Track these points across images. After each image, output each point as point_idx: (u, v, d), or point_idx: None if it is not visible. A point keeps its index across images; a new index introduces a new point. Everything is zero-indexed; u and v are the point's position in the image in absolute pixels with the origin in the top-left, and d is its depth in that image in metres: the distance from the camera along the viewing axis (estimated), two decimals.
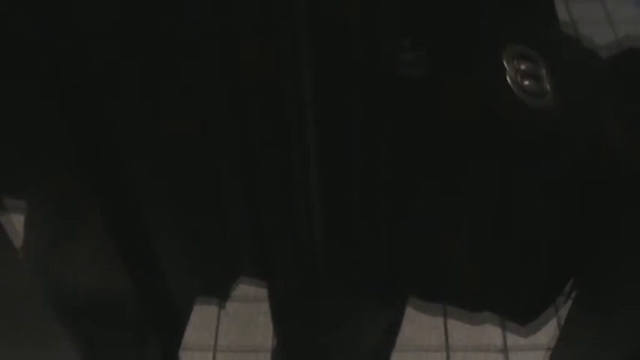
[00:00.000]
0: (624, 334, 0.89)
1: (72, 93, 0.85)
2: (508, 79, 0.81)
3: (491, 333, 1.85)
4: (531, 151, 0.84)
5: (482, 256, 0.97)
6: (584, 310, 1.02)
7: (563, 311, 1.09)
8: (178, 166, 0.95)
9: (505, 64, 0.81)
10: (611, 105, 0.86)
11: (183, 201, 1.00)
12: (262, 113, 0.86)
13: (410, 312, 1.29)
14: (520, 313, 1.04)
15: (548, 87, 0.82)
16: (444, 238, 0.96)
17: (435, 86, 0.81)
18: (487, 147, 0.85)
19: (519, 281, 0.99)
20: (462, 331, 1.86)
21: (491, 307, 1.05)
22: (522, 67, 0.82)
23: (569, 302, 1.05)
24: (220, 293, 1.15)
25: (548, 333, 1.60)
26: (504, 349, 1.84)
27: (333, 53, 0.79)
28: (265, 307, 1.18)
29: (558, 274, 0.98)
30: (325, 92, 0.81)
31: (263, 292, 1.15)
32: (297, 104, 0.82)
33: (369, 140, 0.86)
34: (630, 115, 0.84)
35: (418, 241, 0.97)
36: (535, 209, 0.90)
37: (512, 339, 1.85)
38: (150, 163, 0.95)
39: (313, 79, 0.80)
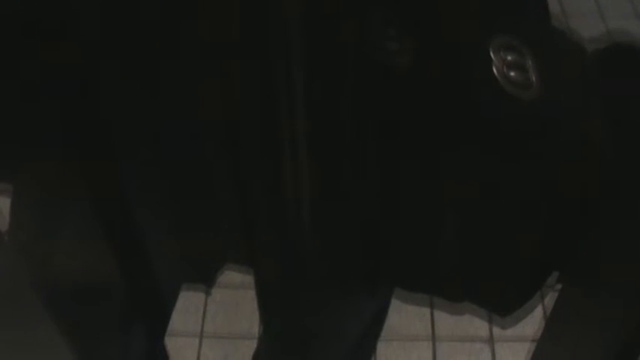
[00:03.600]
0: (608, 324, 0.89)
1: (58, 74, 0.85)
2: (494, 69, 0.81)
3: (477, 324, 1.86)
4: (515, 141, 0.85)
5: (464, 245, 0.97)
6: (569, 302, 1.02)
7: (550, 302, 1.09)
8: (165, 149, 0.95)
9: (492, 54, 0.81)
10: (597, 98, 0.86)
11: (170, 185, 1.00)
12: (252, 96, 0.85)
13: (396, 302, 1.29)
14: (501, 304, 1.05)
15: (534, 79, 0.82)
16: (426, 226, 0.96)
17: (419, 76, 0.81)
18: (471, 137, 0.85)
19: (501, 272, 1.00)
20: (448, 321, 1.86)
21: (472, 297, 1.05)
22: (509, 58, 0.81)
23: (555, 293, 1.05)
24: (206, 279, 1.15)
25: (534, 324, 1.61)
26: (490, 340, 1.85)
27: (322, 41, 0.79)
28: (252, 294, 1.18)
29: (541, 266, 0.99)
30: (315, 78, 0.81)
31: (250, 279, 1.15)
32: (287, 89, 0.82)
33: (357, 126, 0.86)
34: (614, 108, 0.84)
35: (402, 230, 0.97)
36: (518, 199, 0.90)
37: (498, 330, 1.86)
38: (137, 147, 0.95)
39: (303, 65, 0.80)
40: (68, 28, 0.82)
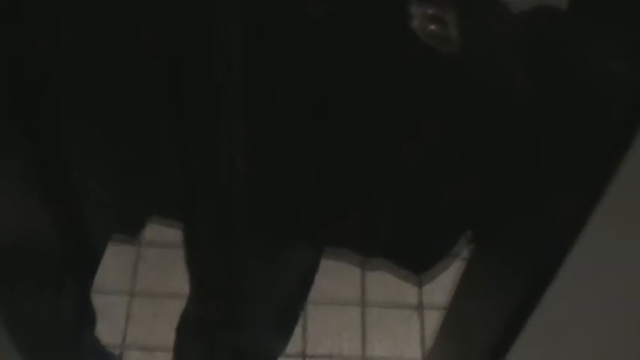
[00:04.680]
0: (508, 285, 0.92)
1: None
2: (415, 21, 0.81)
3: (407, 291, 1.88)
4: (432, 94, 0.85)
5: (378, 202, 0.98)
6: (476, 265, 1.04)
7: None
8: (103, 100, 0.94)
9: (412, 7, 0.81)
10: (518, 56, 0.87)
11: (105, 133, 0.99)
12: (189, 57, 0.85)
13: (328, 266, 1.30)
14: (414, 261, 1.06)
15: (454, 33, 0.83)
16: (342, 183, 0.97)
17: (338, 25, 0.81)
18: (390, 88, 0.85)
19: (414, 229, 1.01)
20: (378, 287, 1.88)
21: (385, 253, 1.07)
22: (429, 11, 0.82)
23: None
24: (132, 231, 1.14)
25: None
26: (420, 307, 1.87)
27: None
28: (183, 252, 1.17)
29: (454, 223, 1.00)
30: (248, 32, 0.80)
31: (182, 237, 1.15)
32: (222, 45, 0.81)
33: (287, 82, 0.86)
34: (534, 68, 0.85)
35: (322, 187, 0.98)
36: (432, 155, 0.91)
37: (428, 297, 1.88)
38: (73, 97, 0.94)
39: (239, 20, 0.79)
40: None
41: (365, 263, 1.86)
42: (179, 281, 1.81)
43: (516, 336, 0.86)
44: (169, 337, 1.48)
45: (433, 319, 1.81)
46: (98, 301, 1.45)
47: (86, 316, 1.42)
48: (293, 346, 1.58)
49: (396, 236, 1.03)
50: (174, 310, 1.43)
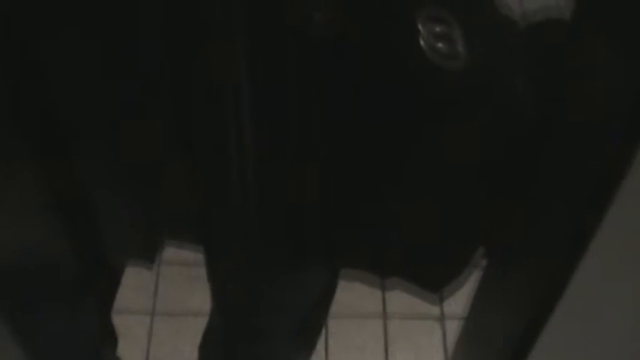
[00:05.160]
0: (523, 297, 0.92)
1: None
2: (421, 40, 0.81)
3: (429, 301, 1.87)
4: (442, 111, 0.85)
5: (390, 222, 0.98)
6: (492, 277, 1.04)
7: None
8: (118, 124, 0.94)
9: (419, 25, 0.81)
10: (525, 71, 0.87)
11: (121, 158, 0.99)
12: (199, 74, 0.85)
13: (348, 279, 1.30)
14: (429, 279, 1.06)
15: (461, 50, 0.83)
16: (354, 203, 0.97)
17: (346, 45, 0.82)
18: (399, 106, 0.85)
19: (427, 248, 1.01)
20: (399, 299, 1.87)
21: (401, 273, 1.07)
22: (436, 29, 0.82)
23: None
24: (148, 255, 1.15)
25: None
26: (441, 318, 1.86)
27: (263, 14, 0.79)
28: (204, 271, 1.18)
29: (468, 243, 1.00)
30: (255, 49, 0.81)
31: (201, 256, 1.15)
32: (231, 62, 0.82)
33: (297, 103, 0.86)
34: (541, 81, 0.85)
35: (337, 206, 0.98)
36: (443, 173, 0.91)
37: (450, 308, 1.87)
38: (88, 120, 0.95)
39: (246, 40, 0.80)
40: None
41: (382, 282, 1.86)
42: (199, 299, 1.81)
43: (533, 345, 0.85)
44: (192, 356, 1.48)
45: (455, 330, 1.81)
46: (119, 321, 1.45)
47: (107, 337, 1.43)
48: None
49: (411, 255, 1.03)
50: (195, 328, 1.44)
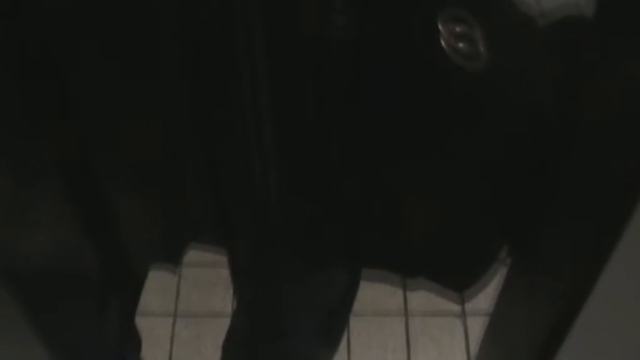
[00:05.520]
0: (549, 294, 0.92)
1: (27, 50, 0.84)
2: (442, 41, 0.81)
3: (450, 299, 1.87)
4: (463, 111, 0.85)
5: (417, 221, 0.98)
6: (517, 275, 1.04)
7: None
8: (138, 131, 0.95)
9: (440, 26, 0.81)
10: (545, 70, 0.86)
11: (142, 164, 1.00)
12: (218, 75, 0.86)
13: (369, 277, 1.30)
14: (454, 279, 1.06)
15: (482, 50, 0.82)
16: (376, 203, 0.97)
17: (366, 45, 0.81)
18: (420, 106, 0.85)
19: (451, 248, 1.01)
20: (420, 296, 1.87)
21: (424, 273, 1.06)
22: (457, 29, 0.82)
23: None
24: (172, 258, 1.15)
25: None
26: (462, 315, 1.86)
27: (281, 19, 0.79)
28: (226, 272, 1.18)
29: (492, 242, 1.00)
30: (274, 52, 0.81)
31: (223, 258, 1.16)
32: (250, 65, 0.82)
33: (318, 103, 0.86)
34: (562, 80, 0.85)
35: (360, 206, 0.98)
36: (468, 173, 0.91)
37: (471, 304, 1.87)
38: (109, 126, 0.95)
39: (264, 41, 0.80)
40: None
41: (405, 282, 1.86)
42: (221, 301, 1.83)
43: (561, 343, 0.85)
44: (215, 357, 1.49)
45: (477, 326, 1.80)
46: (142, 322, 1.46)
47: (131, 339, 1.44)
48: (338, 358, 1.58)
49: (434, 255, 1.03)
50: (217, 329, 1.44)
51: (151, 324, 1.75)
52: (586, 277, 0.77)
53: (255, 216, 1.01)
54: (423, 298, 1.87)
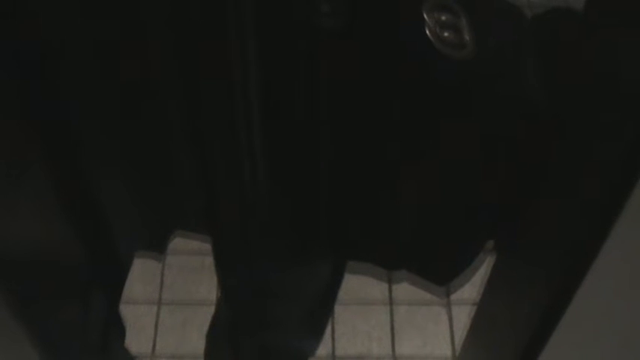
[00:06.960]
0: (536, 286, 0.92)
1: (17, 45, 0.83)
2: (427, 30, 0.80)
3: (435, 288, 1.87)
4: (449, 101, 0.85)
5: (397, 214, 0.98)
6: (503, 267, 1.04)
7: None
8: (124, 118, 0.94)
9: (424, 15, 0.80)
10: (531, 60, 0.86)
11: (128, 152, 0.99)
12: (207, 64, 0.85)
13: (354, 266, 1.30)
14: (436, 273, 1.06)
15: (467, 39, 0.82)
16: (361, 195, 0.97)
17: (352, 37, 0.81)
18: (406, 96, 0.85)
19: (434, 242, 1.01)
20: (406, 285, 1.87)
21: (407, 266, 1.06)
22: (442, 18, 0.81)
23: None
24: (157, 246, 1.15)
25: None
26: (447, 304, 1.87)
27: (271, 4, 0.78)
28: (210, 260, 1.18)
29: (476, 236, 1.00)
30: (263, 45, 0.80)
31: (208, 246, 1.15)
32: (240, 56, 0.82)
33: (306, 91, 0.86)
34: (547, 71, 0.84)
35: (345, 199, 0.98)
36: (451, 165, 0.91)
37: (456, 293, 1.87)
38: (95, 114, 0.94)
39: (254, 33, 0.79)
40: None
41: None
42: (205, 289, 1.82)
43: (549, 334, 0.85)
44: (199, 345, 1.49)
45: (462, 315, 1.81)
46: (126, 311, 1.45)
47: (115, 327, 1.43)
48: (322, 347, 1.58)
49: (417, 249, 1.03)
50: (202, 317, 1.44)
51: (136, 312, 1.75)
52: (573, 267, 0.77)
53: (241, 207, 1.01)
54: (408, 287, 1.87)
